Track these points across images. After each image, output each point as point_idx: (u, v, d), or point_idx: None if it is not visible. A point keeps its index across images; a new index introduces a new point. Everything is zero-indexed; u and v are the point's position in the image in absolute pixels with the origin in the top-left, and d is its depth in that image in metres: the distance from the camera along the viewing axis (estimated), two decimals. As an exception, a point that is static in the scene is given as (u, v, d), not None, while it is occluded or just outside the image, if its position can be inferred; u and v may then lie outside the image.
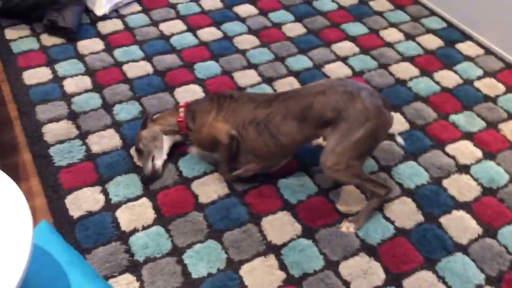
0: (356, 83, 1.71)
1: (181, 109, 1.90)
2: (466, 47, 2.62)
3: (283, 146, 1.72)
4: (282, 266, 1.62)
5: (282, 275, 1.60)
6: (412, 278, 1.61)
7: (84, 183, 1.85)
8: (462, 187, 1.91)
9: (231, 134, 1.74)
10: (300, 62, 2.46)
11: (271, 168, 1.86)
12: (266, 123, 1.71)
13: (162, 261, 1.62)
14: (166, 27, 2.65)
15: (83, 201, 1.79)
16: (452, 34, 2.71)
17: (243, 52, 2.51)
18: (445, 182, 1.92)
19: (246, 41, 2.58)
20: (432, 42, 2.65)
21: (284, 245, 1.68)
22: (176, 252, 1.65)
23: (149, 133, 1.89)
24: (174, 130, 1.91)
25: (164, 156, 1.90)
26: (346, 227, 1.73)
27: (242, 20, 2.74)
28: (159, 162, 1.87)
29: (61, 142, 2.00)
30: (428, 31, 2.73)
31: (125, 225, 1.72)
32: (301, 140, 1.71)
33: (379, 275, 1.61)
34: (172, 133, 1.92)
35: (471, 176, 1.96)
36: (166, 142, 1.92)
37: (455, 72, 2.46)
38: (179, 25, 2.67)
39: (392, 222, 1.77)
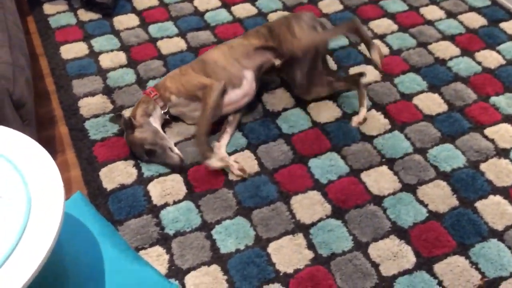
0: None
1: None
2: (510, 26, 2.49)
3: (236, 48, 1.94)
4: (310, 246, 1.62)
5: (310, 254, 1.60)
6: (444, 262, 1.58)
7: (118, 157, 1.89)
8: (500, 172, 1.84)
9: (223, 84, 1.87)
10: (336, 39, 2.41)
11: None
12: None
13: (191, 235, 1.65)
14: (200, 3, 2.64)
15: (117, 174, 1.83)
16: (496, 13, 2.58)
17: (277, 29, 2.47)
18: (483, 166, 1.86)
19: (280, 18, 2.54)
20: (475, 20, 2.53)
21: (313, 224, 1.67)
22: (205, 227, 1.67)
23: (143, 131, 1.83)
24: (155, 103, 1.89)
25: (171, 141, 1.88)
26: (355, 121, 1.95)
27: (277, -4, 2.69)
28: (177, 149, 1.85)
29: (96, 116, 2.04)
30: (471, 9, 2.61)
31: (156, 199, 1.75)
32: (252, 46, 1.92)
33: (409, 259, 1.58)
34: (153, 109, 1.89)
35: (510, 160, 1.88)
36: (158, 125, 1.89)
37: (498, 52, 2.35)
38: (213, 1, 2.65)
39: (426, 205, 1.73)
